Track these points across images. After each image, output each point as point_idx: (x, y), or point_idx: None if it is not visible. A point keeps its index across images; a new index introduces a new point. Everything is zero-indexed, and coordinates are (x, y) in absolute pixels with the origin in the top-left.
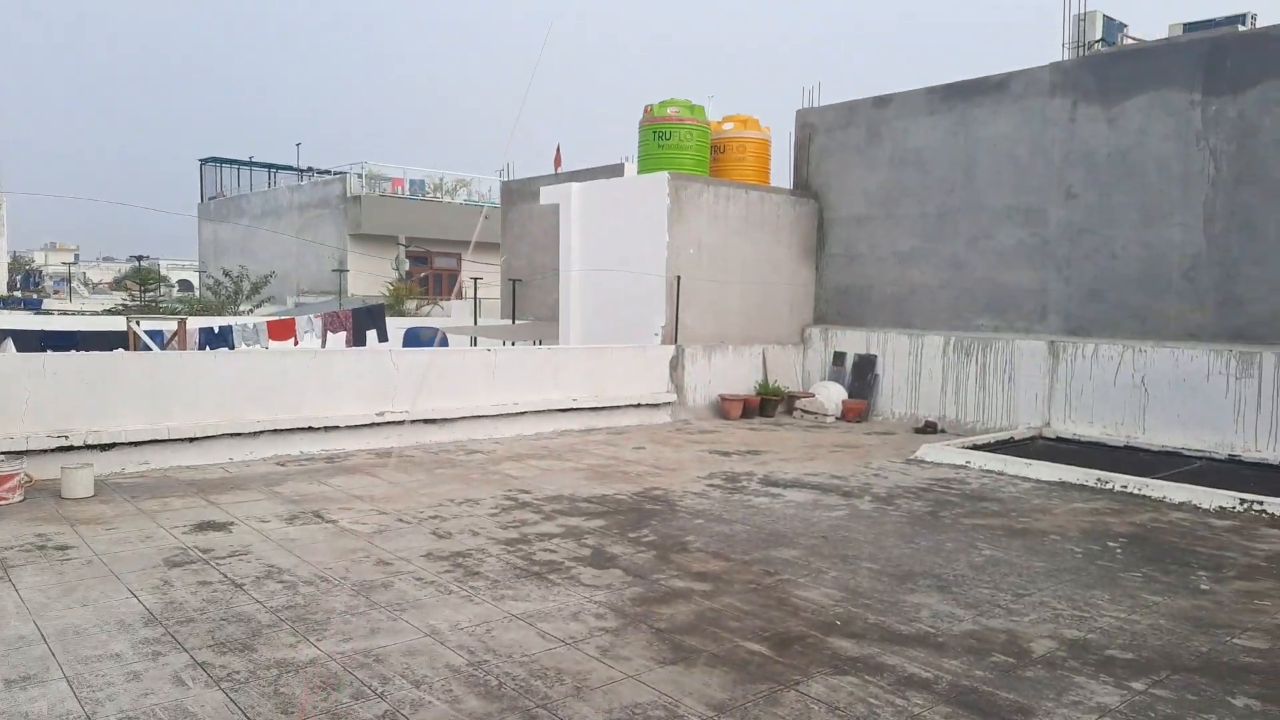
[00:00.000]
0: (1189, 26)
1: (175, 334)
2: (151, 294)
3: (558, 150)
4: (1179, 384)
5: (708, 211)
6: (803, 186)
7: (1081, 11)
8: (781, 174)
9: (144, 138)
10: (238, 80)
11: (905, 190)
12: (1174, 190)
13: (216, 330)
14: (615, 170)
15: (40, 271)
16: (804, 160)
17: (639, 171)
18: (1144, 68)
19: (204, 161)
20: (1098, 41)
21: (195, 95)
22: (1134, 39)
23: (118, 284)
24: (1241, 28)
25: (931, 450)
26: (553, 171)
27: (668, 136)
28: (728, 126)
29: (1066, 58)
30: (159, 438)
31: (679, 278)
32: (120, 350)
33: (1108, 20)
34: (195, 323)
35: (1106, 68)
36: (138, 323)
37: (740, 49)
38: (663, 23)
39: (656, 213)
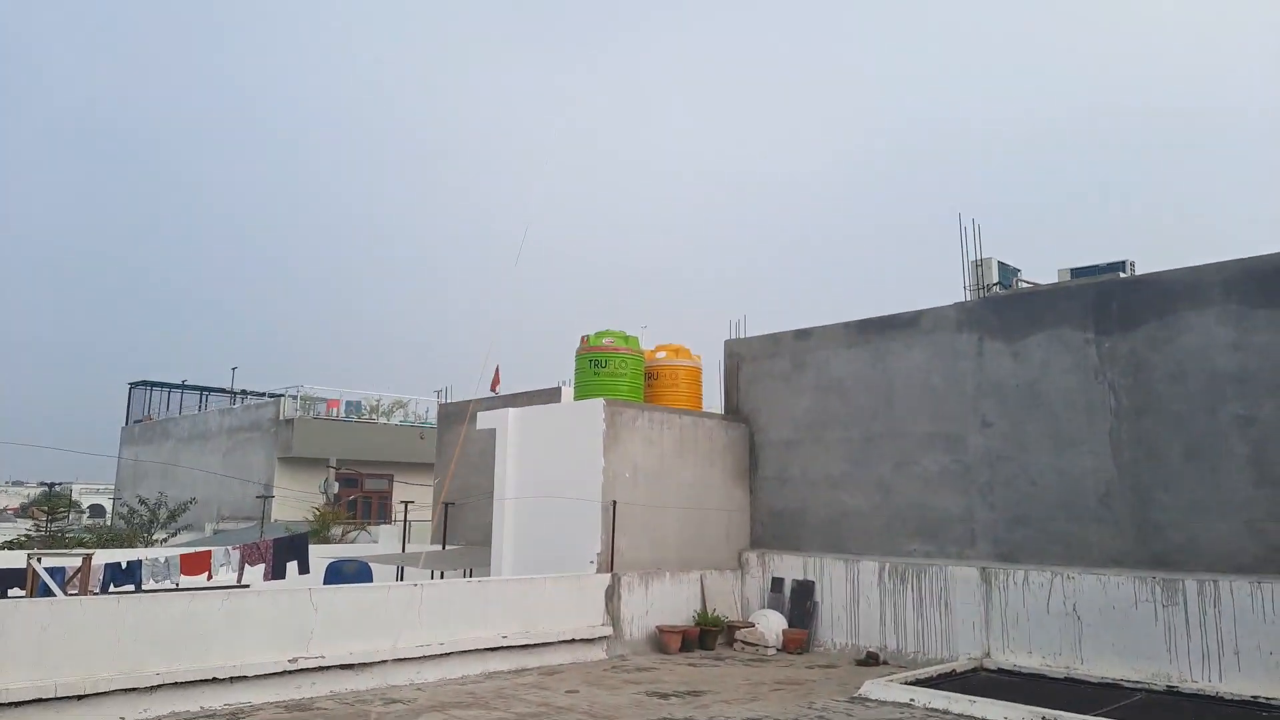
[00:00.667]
0: (1076, 272)
1: (78, 571)
2: (59, 523)
3: (496, 371)
4: (1110, 611)
5: (643, 436)
6: (734, 411)
7: (978, 258)
8: (713, 399)
9: (72, 359)
10: (174, 302)
11: (831, 416)
12: (1081, 420)
13: (124, 565)
14: (553, 394)
15: None
16: (734, 386)
17: (575, 398)
18: (1040, 308)
19: (134, 385)
20: (995, 284)
21: (130, 317)
22: (1028, 282)
23: (24, 510)
24: (1122, 274)
25: (875, 687)
26: (490, 392)
27: (603, 365)
28: (661, 355)
29: (969, 298)
30: (44, 696)
31: (615, 502)
32: (11, 599)
33: (1003, 266)
34: (102, 557)
35: (1006, 308)
36: (38, 560)
37: (672, 279)
38: (598, 252)
39: (592, 438)
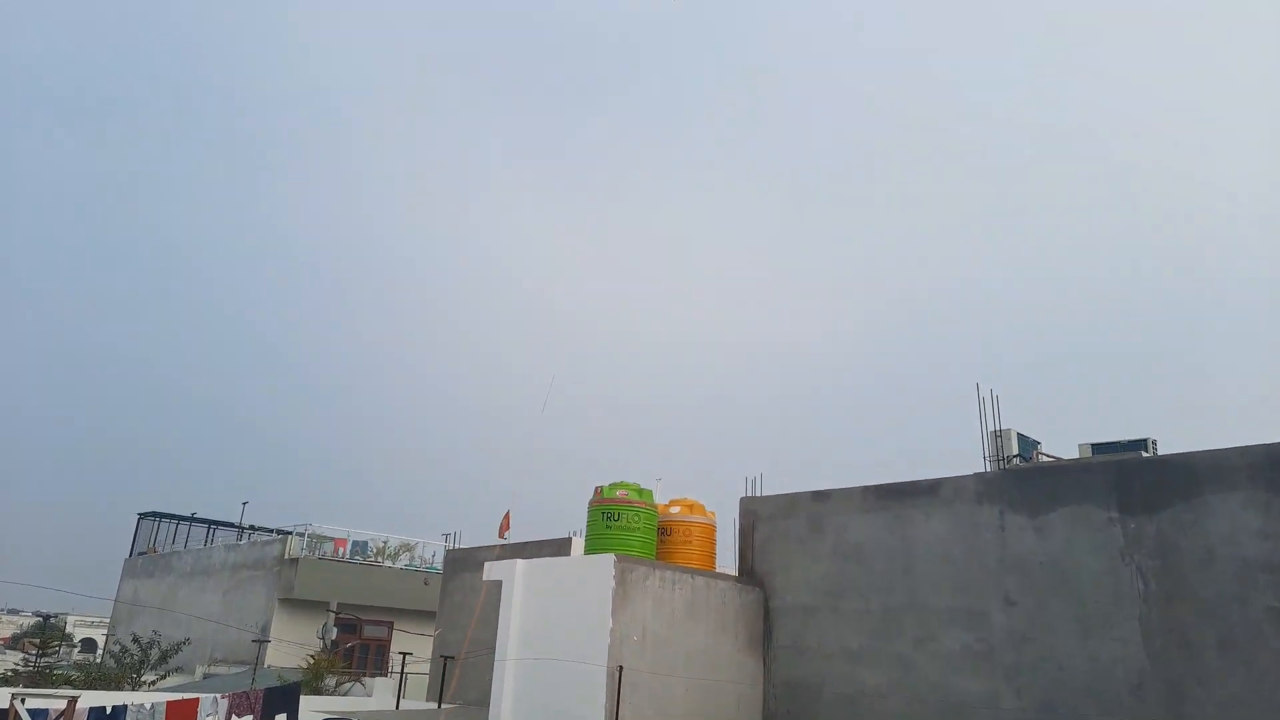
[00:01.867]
0: (1097, 447)
1: (61, 714)
2: (49, 658)
3: (506, 517)
4: None
5: (654, 596)
6: (748, 573)
7: (998, 428)
8: (726, 558)
9: (89, 485)
10: (194, 434)
11: (849, 584)
12: (1108, 603)
13: (109, 710)
14: (563, 545)
15: None
16: (749, 547)
17: (586, 550)
18: (1063, 484)
19: (142, 516)
20: (1015, 456)
21: (149, 447)
22: (1048, 456)
23: (15, 641)
24: (1144, 453)
25: None
26: (499, 537)
27: (616, 518)
28: (675, 510)
29: (988, 469)
30: None
31: (620, 668)
32: None
33: (1022, 437)
34: (88, 699)
35: (1028, 481)
36: (22, 701)
37: (689, 430)
38: (617, 399)
39: (602, 596)
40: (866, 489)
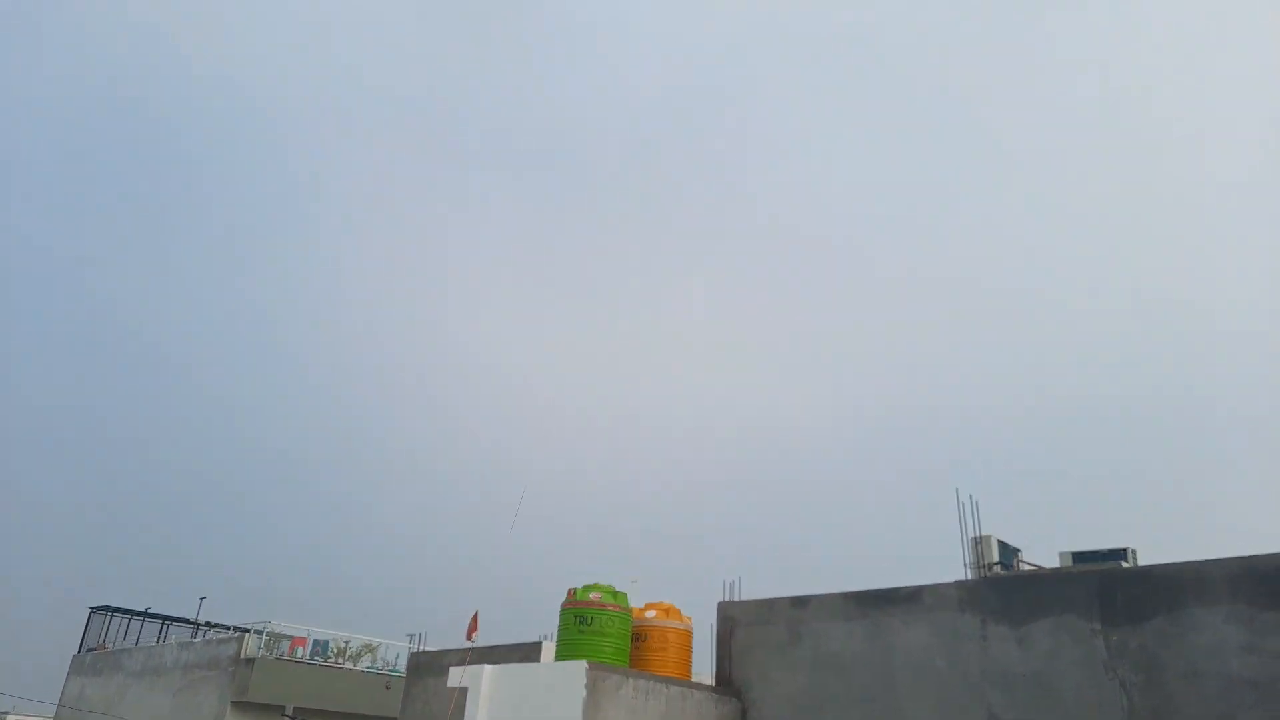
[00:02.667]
0: (1077, 556)
1: None
2: None
3: (474, 618)
4: None
5: (626, 706)
6: (725, 682)
7: (978, 535)
8: (703, 665)
9: (34, 579)
10: (150, 526)
11: (828, 695)
12: (1093, 719)
13: None
14: (532, 650)
15: None
16: (726, 655)
17: (558, 656)
18: (1045, 594)
19: (94, 610)
20: (996, 564)
21: (101, 540)
22: (1029, 564)
23: None
24: (1125, 563)
25: None
26: (466, 639)
27: (589, 622)
28: (650, 614)
29: (969, 576)
30: None
31: None
32: None
33: (1003, 545)
34: None
35: (1010, 590)
36: None
37: (665, 530)
38: (590, 498)
39: (572, 706)
40: (846, 595)
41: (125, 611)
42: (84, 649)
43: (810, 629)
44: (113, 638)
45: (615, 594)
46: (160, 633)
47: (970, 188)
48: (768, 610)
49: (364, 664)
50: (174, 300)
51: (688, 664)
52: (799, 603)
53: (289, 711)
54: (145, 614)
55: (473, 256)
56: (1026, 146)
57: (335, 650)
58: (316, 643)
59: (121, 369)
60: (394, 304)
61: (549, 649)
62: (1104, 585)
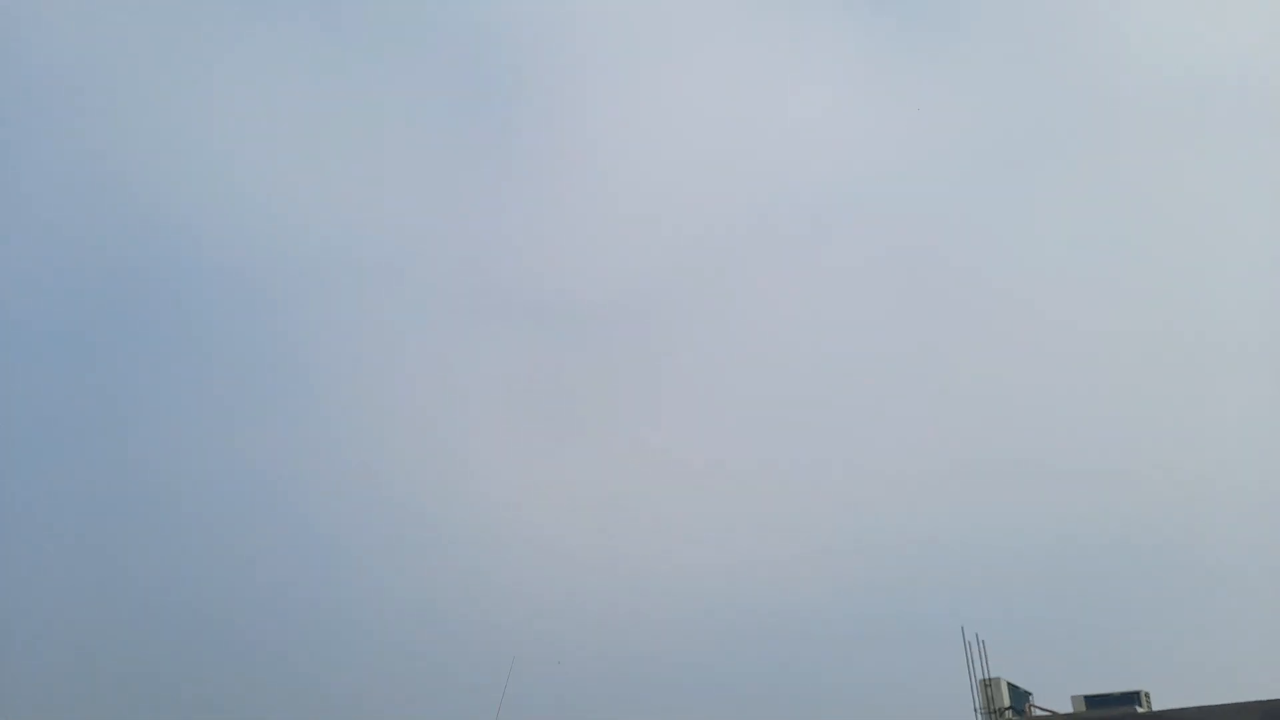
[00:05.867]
0: (1090, 700)
1: None
2: None
3: None
4: None
5: None
6: None
7: (986, 676)
8: None
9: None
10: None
11: None
12: None
13: None
14: None
15: None
16: None
17: None
18: None
19: None
20: (1007, 709)
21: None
22: (1041, 709)
23: None
24: (1139, 708)
25: None
26: None
27: None
28: None
29: None
30: None
31: None
32: None
33: (1013, 688)
34: None
35: None
36: None
37: (675, 670)
38: (599, 645)
39: None
40: None
41: None
42: None
43: None
44: None
45: None
46: None
47: (972, 346)
48: None
49: None
50: (182, 437)
51: None
52: None
53: None
54: None
55: (472, 396)
56: (1035, 301)
57: None
58: None
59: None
60: (397, 434)
61: None
62: None
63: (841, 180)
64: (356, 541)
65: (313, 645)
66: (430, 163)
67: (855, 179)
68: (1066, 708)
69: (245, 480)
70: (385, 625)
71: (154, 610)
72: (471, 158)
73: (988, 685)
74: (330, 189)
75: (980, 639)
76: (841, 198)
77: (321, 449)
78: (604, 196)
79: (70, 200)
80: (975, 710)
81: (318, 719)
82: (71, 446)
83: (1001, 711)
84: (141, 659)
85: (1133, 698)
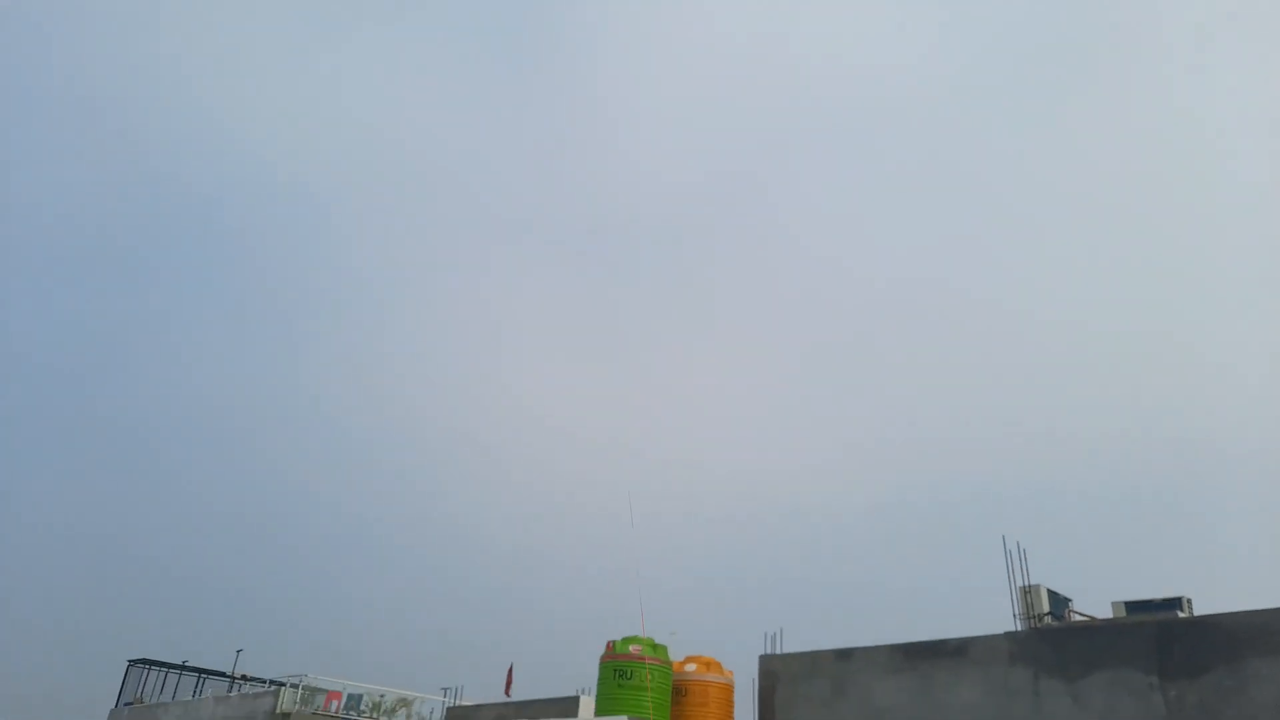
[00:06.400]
0: (1131, 606)
1: None
2: None
3: (509, 673)
4: None
5: None
6: None
7: (1026, 583)
8: (744, 718)
9: (80, 630)
10: (193, 578)
11: None
12: None
13: None
14: (569, 705)
15: None
16: (769, 709)
17: (597, 710)
18: (1099, 646)
19: (132, 663)
20: (1046, 614)
21: (146, 590)
22: (1081, 614)
23: None
24: (1180, 613)
25: None
26: (505, 694)
27: (629, 676)
28: (690, 668)
29: (1019, 627)
30: None
31: None
32: None
33: (1053, 594)
34: None
35: (1063, 642)
36: None
37: (706, 580)
38: (626, 550)
39: None
40: (893, 648)
41: (162, 665)
42: (121, 703)
43: (856, 682)
44: (150, 691)
45: (655, 647)
46: (196, 686)
47: (1006, 242)
48: (811, 663)
49: (399, 718)
50: (223, 360)
51: (730, 718)
52: (844, 655)
53: None
54: (182, 667)
55: (522, 320)
56: (1057, 202)
57: (370, 704)
58: (351, 696)
59: (170, 419)
60: (445, 361)
61: (587, 704)
62: (1162, 636)
63: (877, 79)
64: (394, 449)
65: (356, 560)
66: (465, 80)
67: (891, 76)
68: (1107, 614)
69: (291, 385)
70: (429, 543)
71: (204, 523)
72: (507, 76)
73: (1027, 592)
74: (358, 104)
75: (1021, 547)
76: (877, 99)
77: (368, 358)
78: (640, 104)
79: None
80: (1014, 616)
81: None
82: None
83: (1040, 617)
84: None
85: (1174, 603)
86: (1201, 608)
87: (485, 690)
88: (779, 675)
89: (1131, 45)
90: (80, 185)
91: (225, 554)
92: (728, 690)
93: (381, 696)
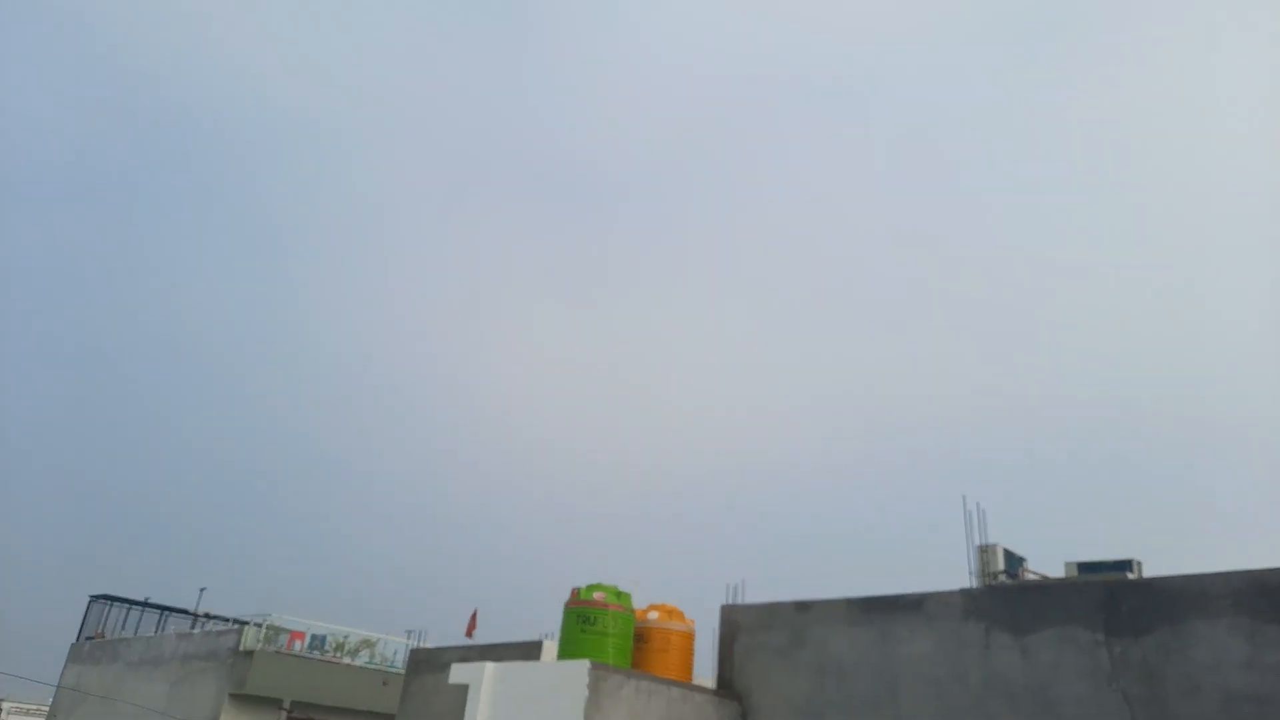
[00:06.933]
0: (1083, 567)
1: None
2: None
3: (473, 616)
4: None
5: (628, 707)
6: (726, 686)
7: (983, 543)
8: (704, 668)
9: (43, 564)
10: (159, 515)
11: (830, 702)
12: None
13: None
14: (533, 649)
15: None
16: (728, 658)
17: (560, 655)
18: (1049, 603)
19: (94, 598)
20: (1001, 572)
21: (109, 527)
22: (1034, 573)
23: None
24: (1130, 574)
25: None
26: (466, 636)
27: (592, 621)
28: (653, 616)
29: (974, 584)
30: None
31: None
32: None
33: (1008, 554)
34: None
35: (1014, 599)
36: None
37: (668, 530)
38: (588, 503)
39: (574, 705)
40: (851, 601)
41: (125, 601)
42: (82, 637)
43: (813, 634)
44: (112, 627)
45: (619, 594)
46: (159, 623)
47: (974, 201)
48: (770, 615)
49: (362, 659)
50: (186, 290)
51: (689, 666)
52: (802, 608)
53: (286, 705)
54: (144, 604)
55: (491, 269)
56: (1026, 158)
57: (334, 645)
58: (315, 637)
59: (130, 356)
60: (426, 297)
61: (550, 648)
62: (1108, 596)
63: (861, 46)
64: (365, 390)
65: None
66: (442, 27)
67: (876, 45)
68: (1060, 574)
69: (258, 316)
70: (400, 484)
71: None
72: (485, 25)
73: (984, 551)
74: (333, 45)
75: (980, 507)
76: (860, 65)
77: (333, 292)
78: (625, 49)
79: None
80: (970, 574)
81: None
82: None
83: (995, 575)
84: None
85: (1125, 565)
86: (1151, 570)
87: (448, 637)
88: (739, 625)
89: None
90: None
91: (195, 487)
92: (688, 638)
93: (345, 637)
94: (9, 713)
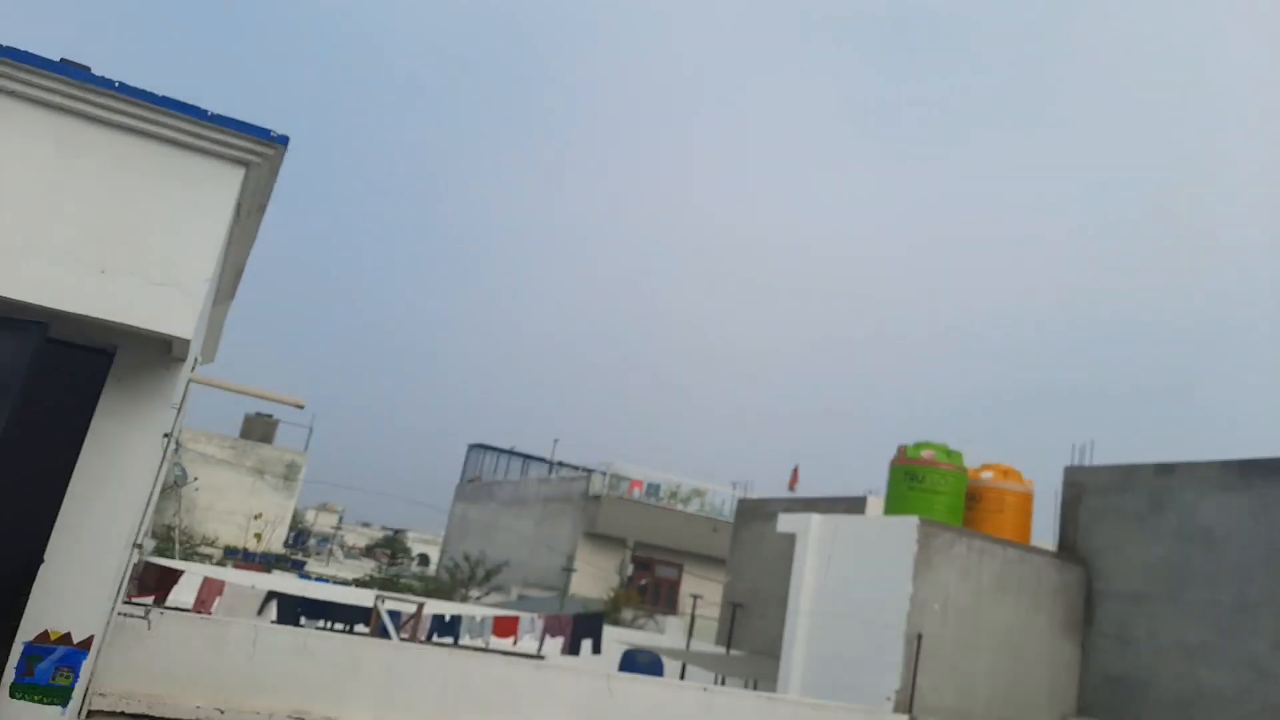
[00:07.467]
0: None
1: (412, 617)
2: (396, 568)
3: (794, 472)
4: None
5: (958, 566)
6: (1069, 550)
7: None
8: (1042, 533)
9: (420, 412)
10: (540, 375)
11: (1193, 572)
12: None
13: (448, 619)
14: (856, 504)
15: (308, 531)
16: (1071, 521)
17: (886, 512)
18: None
19: (472, 446)
20: None
21: (492, 385)
22: None
23: (369, 551)
24: None
25: None
26: (787, 490)
27: (920, 479)
28: (986, 475)
29: None
30: None
31: (920, 635)
32: (364, 637)
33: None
34: (431, 607)
35: None
36: (383, 602)
37: (1005, 395)
38: (928, 361)
39: (902, 560)
40: (1226, 464)
41: (496, 449)
42: (464, 479)
43: (1177, 499)
44: (486, 471)
45: (949, 452)
46: (522, 469)
47: (947, 130)
48: (1125, 477)
49: (693, 507)
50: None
51: (1027, 529)
52: (1164, 470)
53: (630, 544)
54: (511, 452)
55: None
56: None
57: (668, 493)
58: (651, 485)
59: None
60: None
61: (875, 503)
62: None
63: None
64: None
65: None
66: None
67: None
68: None
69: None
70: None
71: None
72: None
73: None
74: None
75: None
76: None
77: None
78: None
79: None
80: None
81: None
82: None
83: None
84: None
85: None
86: None
87: (767, 487)
88: (1085, 487)
89: None
90: None
91: (551, 346)
92: (1026, 499)
93: (678, 486)
94: (413, 540)
